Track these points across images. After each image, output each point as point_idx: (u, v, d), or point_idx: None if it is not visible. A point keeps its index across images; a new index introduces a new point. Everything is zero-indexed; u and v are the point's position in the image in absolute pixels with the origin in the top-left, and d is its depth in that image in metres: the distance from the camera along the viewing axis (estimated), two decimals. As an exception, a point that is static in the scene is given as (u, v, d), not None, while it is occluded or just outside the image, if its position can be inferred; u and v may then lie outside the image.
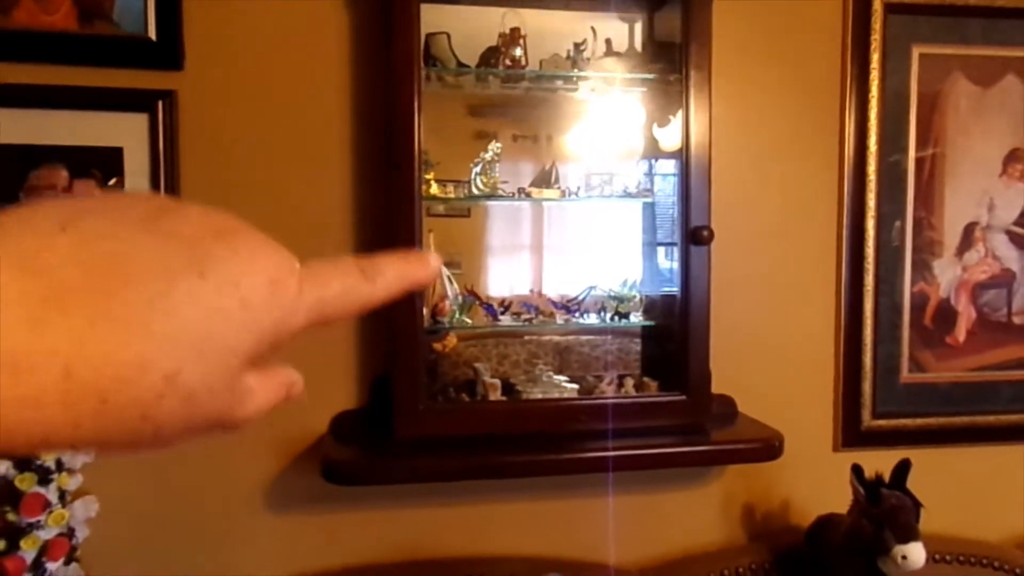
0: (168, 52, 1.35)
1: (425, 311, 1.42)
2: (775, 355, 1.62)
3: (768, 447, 1.44)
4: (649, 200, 1.56)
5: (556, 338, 1.58)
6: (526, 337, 1.57)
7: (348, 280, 0.30)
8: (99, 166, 1.34)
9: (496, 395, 1.46)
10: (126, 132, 1.34)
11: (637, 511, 1.57)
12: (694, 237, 1.41)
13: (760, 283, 1.61)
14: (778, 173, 1.60)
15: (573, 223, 1.64)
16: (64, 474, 1.30)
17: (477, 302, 1.47)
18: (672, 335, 1.49)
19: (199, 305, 0.24)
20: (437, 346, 1.51)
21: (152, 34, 1.34)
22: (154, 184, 1.35)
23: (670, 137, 1.51)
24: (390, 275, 0.31)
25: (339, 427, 1.45)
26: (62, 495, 1.30)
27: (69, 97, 1.31)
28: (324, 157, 1.44)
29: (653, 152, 1.57)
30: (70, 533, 1.31)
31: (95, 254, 0.23)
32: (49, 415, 0.22)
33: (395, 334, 1.35)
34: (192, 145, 1.38)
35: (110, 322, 0.23)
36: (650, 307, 1.55)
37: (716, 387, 1.53)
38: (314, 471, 1.35)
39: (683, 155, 1.44)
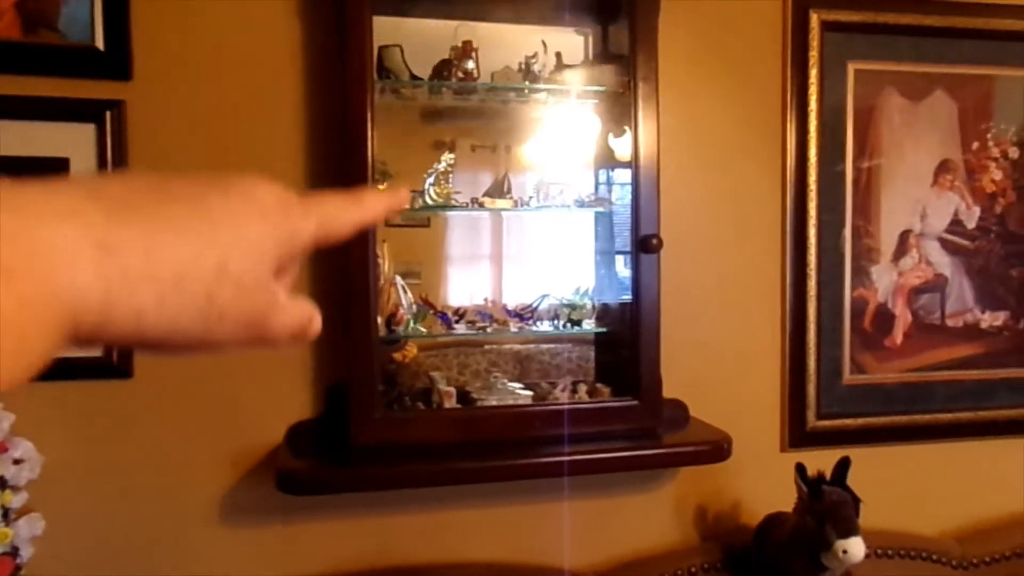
0: (116, 62, 1.34)
1: (380, 320, 1.43)
2: (724, 360, 1.67)
3: (717, 449, 1.48)
4: (601, 209, 1.60)
5: (516, 347, 1.61)
6: (486, 347, 1.59)
7: (340, 201, 0.36)
8: (45, 177, 1.32)
9: (451, 403, 1.47)
10: (73, 142, 1.32)
11: (592, 515, 1.59)
12: (643, 245, 1.45)
13: (709, 290, 1.66)
14: (725, 183, 1.66)
15: (531, 233, 1.67)
16: (8, 492, 1.27)
17: (431, 311, 1.49)
18: (624, 342, 1.53)
19: (228, 211, 0.31)
20: (397, 356, 1.52)
21: (100, 43, 1.33)
22: (102, 195, 1.33)
23: (625, 147, 1.55)
24: (372, 200, 0.38)
25: (295, 437, 1.44)
26: (5, 513, 1.27)
27: (12, 107, 1.29)
28: (277, 169, 1.44)
29: (609, 162, 1.61)
30: (15, 552, 1.28)
31: (141, 189, 0.30)
32: (138, 289, 0.28)
33: (350, 343, 1.36)
34: (141, 156, 1.37)
35: (165, 225, 0.29)
36: (603, 314, 1.59)
37: (668, 392, 1.57)
38: (270, 482, 1.34)
39: (633, 165, 1.48)
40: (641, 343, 1.48)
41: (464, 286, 1.61)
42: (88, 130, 1.33)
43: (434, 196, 1.48)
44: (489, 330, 1.52)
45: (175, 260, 0.29)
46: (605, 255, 1.63)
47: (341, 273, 1.38)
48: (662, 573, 1.54)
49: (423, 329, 1.48)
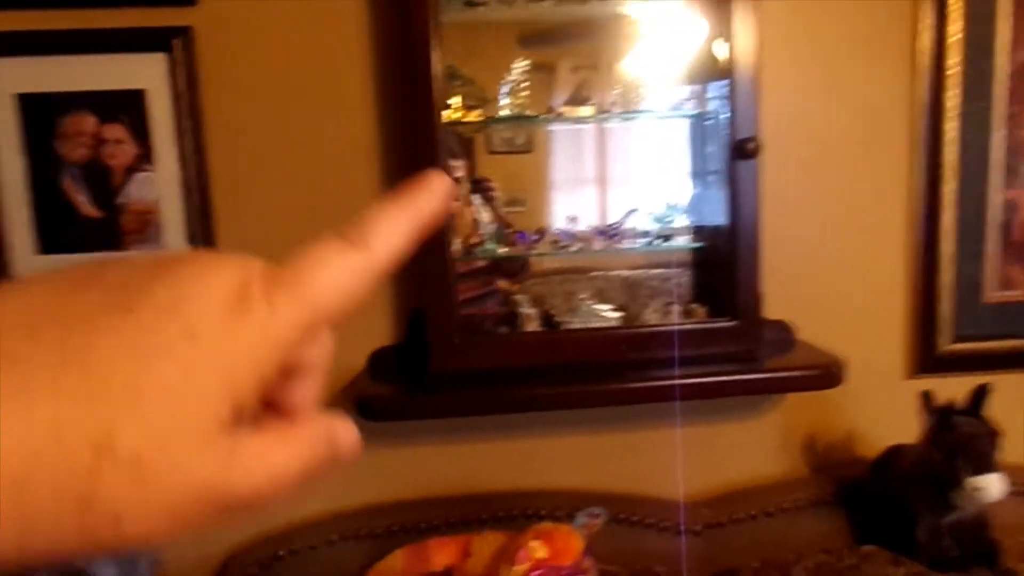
0: (180, -14, 1.31)
1: (458, 242, 1.38)
2: (838, 276, 1.49)
3: (827, 374, 1.34)
4: (694, 112, 1.43)
5: (624, 273, 1.51)
6: (592, 273, 1.50)
7: (334, 260, 0.24)
8: (124, 110, 1.34)
9: (534, 326, 1.41)
10: (145, 73, 1.32)
11: (687, 443, 1.50)
12: (739, 150, 1.29)
13: (820, 197, 1.47)
14: (839, 74, 1.44)
15: (622, 146, 1.53)
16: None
17: (509, 230, 1.41)
18: (720, 258, 1.39)
19: (126, 346, 0.19)
20: (503, 284, 1.47)
21: (162, -32, 1.31)
22: (178, 126, 1.34)
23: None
24: (385, 228, 0.25)
25: (376, 363, 1.44)
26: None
27: (83, 40, 1.29)
28: (347, 87, 1.38)
29: (713, 74, 1.42)
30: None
31: (13, 320, 0.19)
32: None
33: (425, 267, 1.32)
34: (213, 82, 1.35)
35: (12, 392, 0.18)
36: (698, 230, 1.45)
37: (773, 313, 1.43)
38: (351, 409, 1.34)
39: (729, 61, 1.30)
40: (739, 258, 1.34)
41: (567, 208, 1.51)
42: (159, 60, 1.32)
43: (511, 108, 1.38)
44: (573, 249, 1.43)
45: (15, 456, 0.18)
46: (700, 167, 1.48)
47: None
48: (766, 505, 1.44)
49: (501, 250, 1.41)
